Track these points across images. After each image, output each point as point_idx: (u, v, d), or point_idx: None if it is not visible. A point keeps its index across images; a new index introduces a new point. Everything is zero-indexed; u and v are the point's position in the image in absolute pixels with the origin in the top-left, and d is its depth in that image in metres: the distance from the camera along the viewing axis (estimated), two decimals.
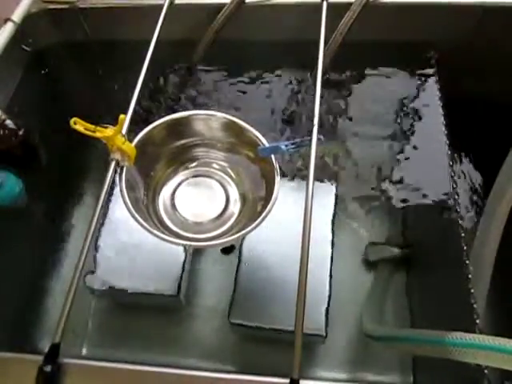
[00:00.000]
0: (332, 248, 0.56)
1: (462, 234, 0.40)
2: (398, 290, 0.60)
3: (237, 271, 0.55)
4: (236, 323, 0.52)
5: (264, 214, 0.43)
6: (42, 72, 0.59)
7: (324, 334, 0.50)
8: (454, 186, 0.44)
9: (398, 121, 0.61)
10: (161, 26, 0.52)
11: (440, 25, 0.56)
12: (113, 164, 0.41)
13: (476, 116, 0.57)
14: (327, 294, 0.53)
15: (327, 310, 0.52)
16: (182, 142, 0.48)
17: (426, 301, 0.54)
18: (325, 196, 0.60)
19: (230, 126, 0.47)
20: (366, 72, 0.59)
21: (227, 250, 0.65)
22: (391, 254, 0.61)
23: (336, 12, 0.53)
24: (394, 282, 0.60)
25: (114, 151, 0.41)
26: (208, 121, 0.47)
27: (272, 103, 0.61)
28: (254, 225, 0.42)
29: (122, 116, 0.38)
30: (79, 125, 0.40)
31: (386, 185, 0.61)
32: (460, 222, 0.41)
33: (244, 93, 0.61)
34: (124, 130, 0.42)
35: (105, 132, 0.40)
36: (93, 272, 0.54)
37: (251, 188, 0.48)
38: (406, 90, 0.58)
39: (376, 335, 0.46)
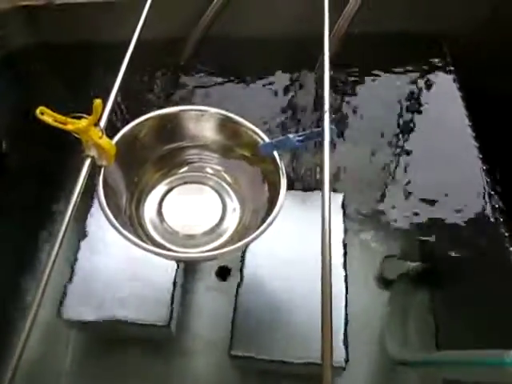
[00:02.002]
0: (345, 264, 0.49)
1: (506, 234, 0.34)
2: (421, 307, 0.53)
3: (236, 296, 0.48)
4: (238, 356, 0.44)
5: (269, 220, 0.36)
6: (16, 76, 0.53)
7: (343, 366, 0.43)
8: (488, 180, 0.38)
9: (411, 121, 0.55)
10: (144, 22, 0.47)
11: (452, 14, 0.51)
12: (87, 162, 0.34)
13: (497, 113, 0.52)
14: (344, 317, 0.46)
15: (345, 336, 0.44)
16: (171, 142, 0.43)
17: (459, 317, 0.47)
18: (332, 205, 0.55)
19: (225, 123, 0.42)
20: (374, 67, 0.54)
21: (224, 274, 0.58)
22: (410, 269, 0.55)
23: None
24: (415, 300, 0.54)
25: (88, 147, 0.35)
26: (200, 117, 0.42)
27: (269, 105, 0.56)
28: (257, 232, 0.36)
29: (97, 101, 0.32)
30: (47, 115, 0.34)
31: (399, 191, 0.55)
32: (501, 219, 0.35)
33: (238, 94, 0.56)
34: (102, 123, 0.36)
35: (78, 123, 0.33)
36: (68, 299, 0.47)
37: (251, 194, 0.43)
38: (419, 86, 0.53)
39: (408, 360, 0.39)
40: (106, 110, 0.37)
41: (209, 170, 0.44)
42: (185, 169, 0.44)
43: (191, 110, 0.41)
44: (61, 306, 0.46)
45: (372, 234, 0.57)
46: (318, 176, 0.56)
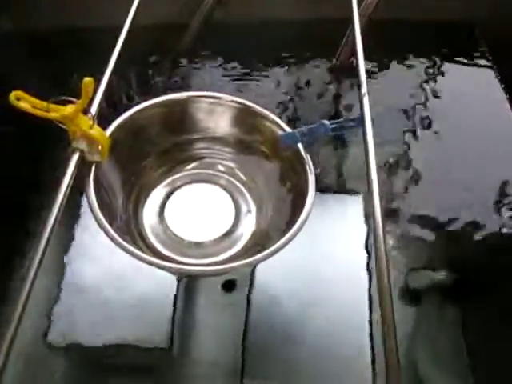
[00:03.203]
0: (370, 278, 0.46)
1: None
2: (452, 324, 0.48)
3: (247, 314, 0.45)
4: None
5: (295, 229, 0.31)
6: None
7: None
8: None
9: (447, 118, 0.51)
10: (137, 6, 0.42)
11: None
12: (75, 157, 0.29)
13: None
14: (369, 339, 0.43)
15: (373, 363, 0.41)
16: (176, 133, 0.38)
17: (494, 335, 0.44)
18: (351, 211, 0.50)
19: (240, 112, 0.38)
20: (404, 54, 0.50)
21: (230, 285, 0.53)
22: (437, 280, 0.51)
23: None
24: (445, 316, 0.49)
25: (76, 139, 0.29)
26: (212, 106, 0.38)
27: (277, 97, 0.52)
28: (277, 245, 0.31)
29: (87, 79, 0.26)
30: (24, 101, 0.28)
31: (425, 192, 0.50)
32: None
33: (243, 83, 0.52)
34: (94, 109, 0.30)
35: (63, 110, 0.28)
36: (53, 320, 0.42)
37: (270, 194, 0.38)
38: (452, 79, 0.49)
39: None
40: (98, 94, 0.32)
41: (220, 167, 0.40)
42: (192, 165, 0.40)
43: (201, 96, 0.37)
44: (46, 329, 0.42)
45: (395, 242, 0.52)
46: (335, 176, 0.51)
